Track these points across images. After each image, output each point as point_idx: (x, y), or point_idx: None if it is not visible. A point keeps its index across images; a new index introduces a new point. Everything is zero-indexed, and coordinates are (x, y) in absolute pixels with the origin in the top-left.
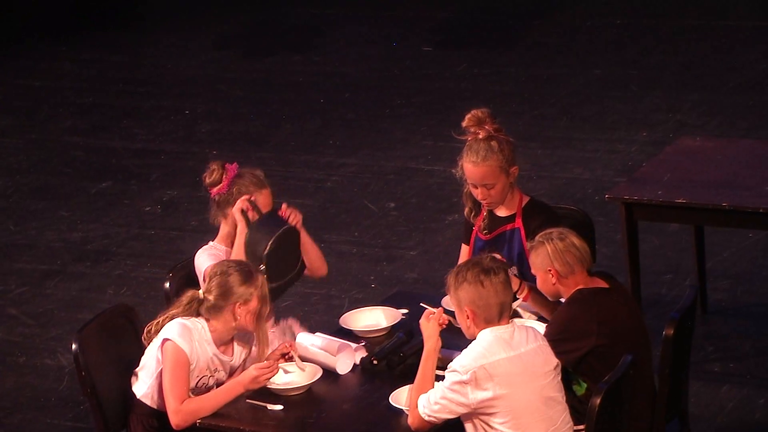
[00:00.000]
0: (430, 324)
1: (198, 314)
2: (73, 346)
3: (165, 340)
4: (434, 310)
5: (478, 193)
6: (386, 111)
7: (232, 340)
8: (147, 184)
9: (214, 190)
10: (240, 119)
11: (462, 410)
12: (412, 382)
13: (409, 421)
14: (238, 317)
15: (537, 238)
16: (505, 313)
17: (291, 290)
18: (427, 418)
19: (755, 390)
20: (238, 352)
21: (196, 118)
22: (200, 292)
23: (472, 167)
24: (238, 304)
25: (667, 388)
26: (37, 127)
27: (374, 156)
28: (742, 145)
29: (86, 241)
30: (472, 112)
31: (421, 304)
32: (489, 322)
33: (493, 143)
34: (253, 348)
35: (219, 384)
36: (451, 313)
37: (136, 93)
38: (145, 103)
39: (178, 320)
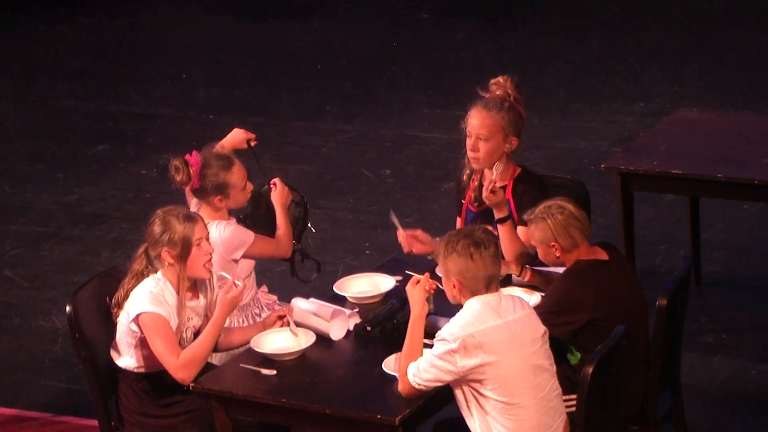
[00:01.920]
0: (416, 290)
1: (151, 266)
2: (68, 309)
3: (138, 315)
4: (420, 276)
5: (470, 144)
6: (384, 79)
7: (195, 285)
8: (143, 148)
9: (187, 188)
10: (238, 86)
11: (450, 378)
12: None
13: (399, 388)
14: (171, 263)
15: (536, 213)
16: (493, 284)
17: None
18: (416, 386)
19: (748, 361)
20: (203, 294)
21: (194, 83)
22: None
23: (474, 113)
24: (165, 249)
25: (660, 359)
26: (35, 91)
27: (371, 124)
28: (739, 118)
29: (82, 204)
30: (502, 76)
31: (407, 271)
32: (475, 294)
33: (506, 103)
34: (216, 287)
35: (199, 331)
36: (438, 279)
37: (134, 58)
38: (143, 67)
39: (139, 291)
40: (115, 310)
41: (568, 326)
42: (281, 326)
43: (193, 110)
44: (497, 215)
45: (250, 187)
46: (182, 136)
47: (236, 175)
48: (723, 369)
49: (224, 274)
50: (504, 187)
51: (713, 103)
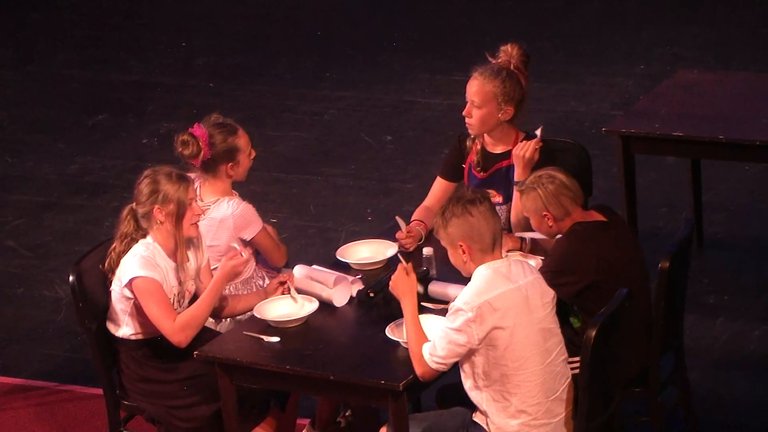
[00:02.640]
0: (400, 281)
1: (138, 227)
2: (71, 278)
3: (131, 280)
4: (405, 264)
5: (465, 110)
6: (384, 45)
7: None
8: (144, 117)
9: (198, 159)
10: (237, 53)
11: (466, 350)
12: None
13: (418, 372)
14: (161, 221)
15: (527, 183)
16: (498, 243)
17: (288, 223)
18: (435, 365)
19: (750, 322)
20: (193, 256)
21: (193, 51)
22: (134, 204)
23: (472, 79)
24: (156, 207)
25: (663, 321)
26: (35, 59)
27: (371, 89)
28: (739, 78)
29: (83, 173)
30: (511, 43)
31: (397, 217)
32: (485, 252)
33: (503, 72)
34: (206, 250)
35: (188, 295)
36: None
37: (133, 26)
38: (142, 36)
39: (130, 256)
40: (110, 276)
41: (569, 286)
42: (282, 293)
43: (192, 78)
44: (519, 178)
45: (253, 153)
46: (182, 105)
47: (242, 139)
48: (725, 330)
49: (235, 245)
50: (508, 153)
51: (713, 63)
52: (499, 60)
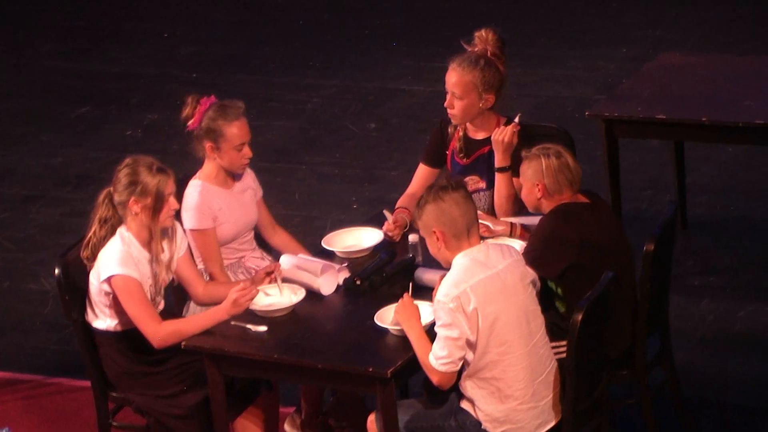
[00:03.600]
0: (402, 309)
1: (115, 213)
2: (57, 271)
3: (109, 277)
4: (407, 293)
5: (447, 101)
6: (366, 32)
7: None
8: (127, 108)
9: (188, 125)
10: (220, 42)
11: (462, 341)
12: (396, 302)
13: (434, 381)
14: (136, 213)
15: (534, 150)
16: (473, 229)
17: (273, 212)
18: (445, 369)
19: (735, 302)
20: (167, 247)
21: (176, 41)
22: (111, 189)
23: (450, 70)
24: (133, 198)
25: (648, 303)
26: (16, 50)
27: (354, 77)
28: (721, 60)
29: (67, 165)
30: (486, 29)
31: (385, 211)
32: (458, 239)
33: (481, 61)
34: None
35: (163, 285)
36: (417, 287)
37: (115, 16)
38: (124, 25)
39: (108, 251)
40: (89, 264)
41: (553, 266)
42: (269, 283)
43: (175, 69)
44: (500, 163)
45: (248, 153)
46: (165, 95)
47: (234, 130)
48: (710, 311)
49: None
50: (489, 139)
51: (695, 45)
52: (476, 48)
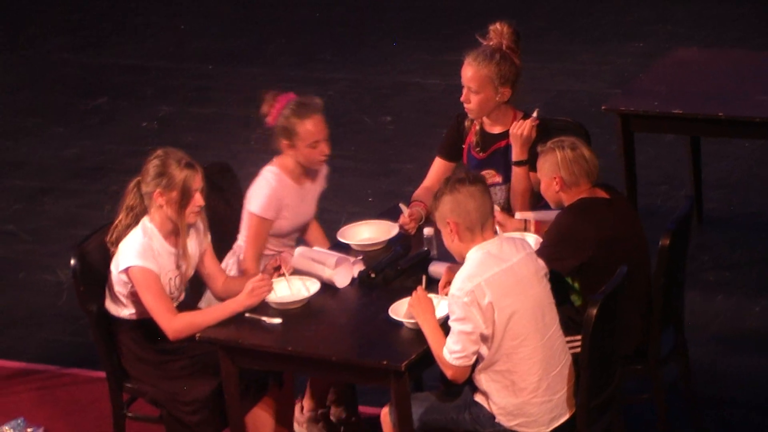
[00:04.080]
0: (416, 303)
1: (141, 202)
2: (72, 262)
3: (127, 268)
4: (421, 286)
5: (463, 95)
6: (379, 25)
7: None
8: (140, 101)
9: (266, 121)
10: (229, 35)
11: (476, 335)
12: (410, 295)
13: (448, 375)
14: (161, 205)
15: (549, 144)
16: (488, 223)
17: None
18: (459, 363)
19: (749, 298)
20: (193, 242)
21: (186, 34)
22: (140, 179)
23: (466, 65)
24: (159, 190)
25: (662, 298)
26: (27, 44)
27: (367, 71)
28: (736, 55)
29: (81, 158)
30: (500, 22)
31: (401, 205)
32: (472, 231)
33: (497, 54)
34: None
35: (187, 277)
36: (431, 280)
37: (125, 9)
38: (134, 19)
39: (129, 242)
40: (113, 249)
41: (570, 261)
42: (278, 277)
43: (186, 61)
44: (517, 157)
45: (324, 149)
46: (178, 88)
47: (307, 127)
48: (725, 307)
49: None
50: (506, 133)
51: (707, 40)
52: (491, 41)
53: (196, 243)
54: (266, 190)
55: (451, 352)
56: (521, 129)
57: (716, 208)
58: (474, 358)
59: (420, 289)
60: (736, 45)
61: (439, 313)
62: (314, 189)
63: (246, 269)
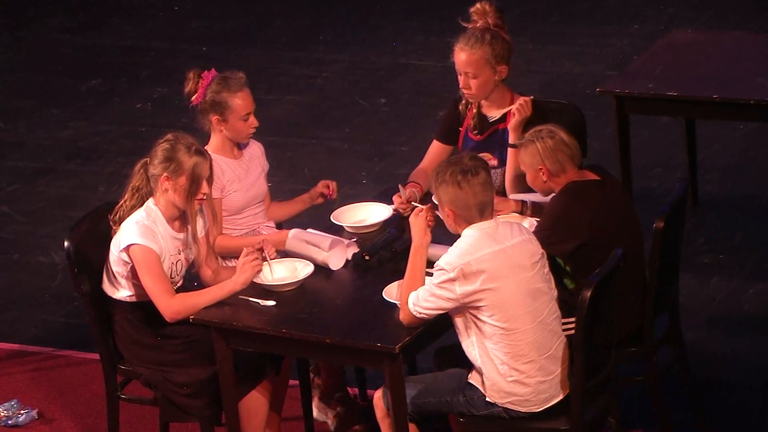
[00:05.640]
0: (418, 220)
1: (147, 184)
2: (66, 244)
3: (128, 246)
4: (423, 207)
5: (461, 82)
6: (376, 6)
7: (184, 216)
8: (137, 82)
9: (192, 99)
10: (229, 16)
11: (450, 305)
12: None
13: (401, 317)
14: (166, 189)
15: (527, 136)
16: (487, 211)
17: (283, 187)
18: (417, 315)
19: (745, 281)
20: (199, 226)
21: (185, 15)
22: (148, 160)
23: (458, 51)
24: (165, 174)
25: (657, 281)
26: (24, 24)
27: (364, 52)
28: (733, 37)
29: (76, 138)
30: (480, 2)
31: (413, 203)
32: (469, 222)
33: (487, 35)
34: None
35: (188, 262)
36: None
37: None
38: (132, 0)
39: (131, 221)
40: (114, 227)
41: (564, 244)
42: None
43: (185, 42)
44: (513, 139)
45: (253, 122)
46: (175, 69)
47: (238, 101)
48: (720, 289)
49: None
50: (504, 116)
51: (707, 23)
52: (476, 23)
53: (200, 228)
54: None
55: (416, 305)
56: (524, 107)
57: (711, 191)
58: (433, 317)
59: (427, 209)
60: (736, 28)
61: (437, 252)
62: (254, 160)
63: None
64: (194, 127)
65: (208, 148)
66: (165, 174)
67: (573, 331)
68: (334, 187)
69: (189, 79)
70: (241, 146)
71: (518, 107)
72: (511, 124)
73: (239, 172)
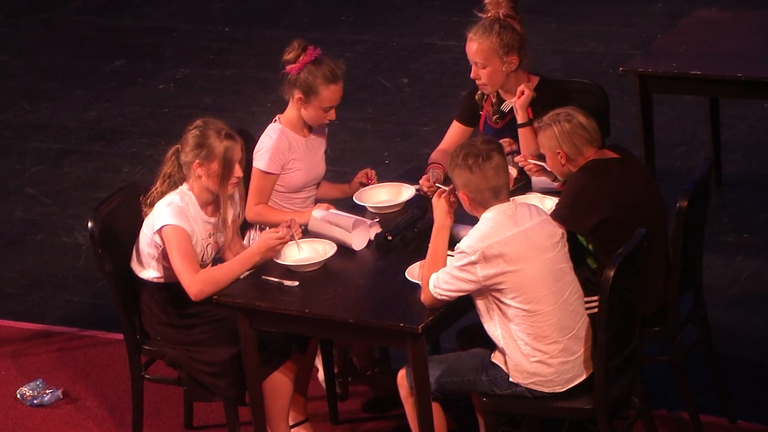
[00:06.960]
0: (441, 200)
1: (179, 171)
2: (90, 225)
3: (162, 227)
4: (446, 188)
5: (472, 72)
6: None
7: (217, 200)
8: (160, 63)
9: (287, 67)
10: None
11: (471, 287)
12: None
13: (422, 298)
14: (199, 175)
15: (545, 119)
16: (502, 194)
17: None
18: (438, 296)
19: None
20: (230, 210)
21: None
22: (179, 147)
23: (469, 41)
24: (197, 161)
25: (681, 260)
26: (48, 6)
27: (387, 33)
28: (757, 16)
29: (101, 120)
30: None
31: (436, 184)
32: (485, 205)
33: (496, 25)
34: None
35: (218, 245)
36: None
37: None
38: None
39: (165, 203)
40: (145, 210)
41: (585, 221)
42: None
43: (208, 23)
44: (520, 120)
45: (332, 116)
46: (198, 50)
47: (328, 92)
48: (744, 268)
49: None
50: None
51: (731, 1)
52: (489, 13)
53: (231, 213)
54: (268, 146)
55: (437, 287)
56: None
57: (735, 170)
58: (453, 299)
59: (450, 190)
60: (762, 6)
61: (460, 232)
62: (319, 142)
63: (247, 218)
64: (219, 108)
65: (282, 117)
66: (197, 161)
67: (596, 311)
68: (372, 175)
69: (293, 48)
70: (311, 127)
71: (523, 88)
72: (518, 103)
73: (305, 152)
